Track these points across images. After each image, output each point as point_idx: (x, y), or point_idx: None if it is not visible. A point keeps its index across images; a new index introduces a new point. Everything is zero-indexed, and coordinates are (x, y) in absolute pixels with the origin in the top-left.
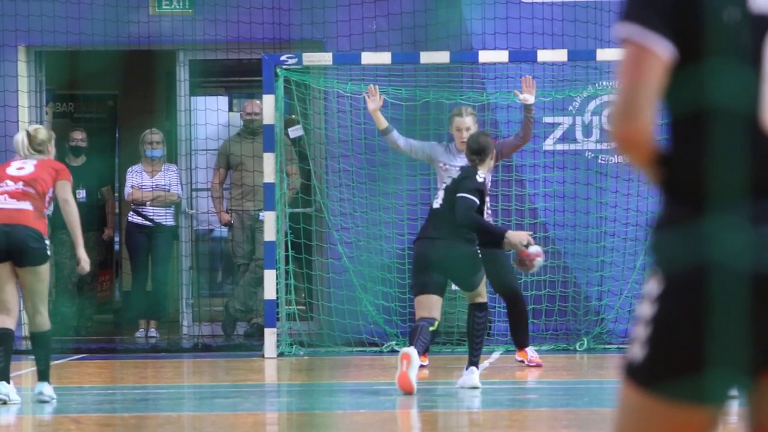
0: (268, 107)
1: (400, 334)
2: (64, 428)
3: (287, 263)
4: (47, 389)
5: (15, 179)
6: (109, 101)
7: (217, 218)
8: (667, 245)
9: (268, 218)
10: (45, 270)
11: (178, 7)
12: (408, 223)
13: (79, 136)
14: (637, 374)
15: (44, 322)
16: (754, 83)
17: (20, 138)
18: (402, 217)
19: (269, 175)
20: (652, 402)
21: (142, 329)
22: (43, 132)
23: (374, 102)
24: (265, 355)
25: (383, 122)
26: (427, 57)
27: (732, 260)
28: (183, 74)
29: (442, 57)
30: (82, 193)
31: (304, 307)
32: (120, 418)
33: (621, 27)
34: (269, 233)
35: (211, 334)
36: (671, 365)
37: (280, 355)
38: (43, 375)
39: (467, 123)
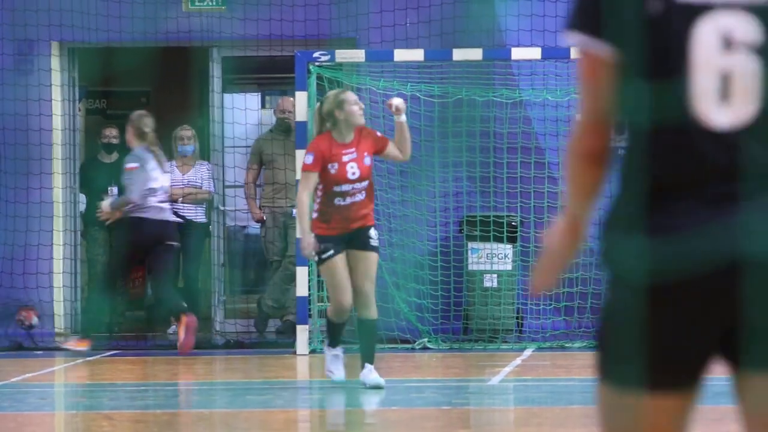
0: (300, 104)
1: (432, 331)
2: (97, 425)
3: None
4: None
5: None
6: (142, 98)
7: (250, 215)
8: (612, 245)
9: None
10: None
11: (211, 3)
12: (440, 220)
13: (111, 133)
14: (597, 370)
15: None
16: (682, 77)
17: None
18: (434, 214)
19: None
20: (609, 394)
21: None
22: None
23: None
24: (298, 352)
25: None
26: (459, 54)
27: (665, 263)
28: (216, 71)
29: (475, 54)
30: (114, 190)
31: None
32: (152, 414)
33: (567, 35)
34: None
35: (244, 331)
36: (615, 355)
37: (312, 352)
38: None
39: None
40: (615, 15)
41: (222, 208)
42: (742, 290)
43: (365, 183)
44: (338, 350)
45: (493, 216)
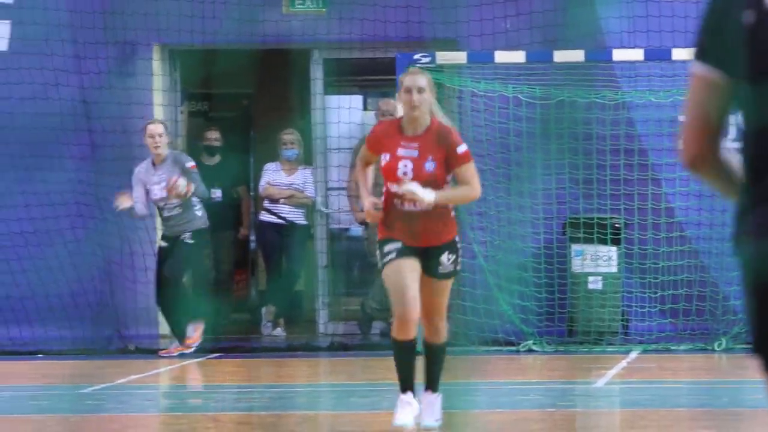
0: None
1: (536, 334)
2: (202, 426)
3: None
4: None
5: None
6: (243, 100)
7: (353, 217)
8: (736, 245)
9: None
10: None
11: (311, 6)
12: (543, 222)
13: (213, 136)
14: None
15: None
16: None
17: None
18: (537, 217)
19: None
20: None
21: (269, 322)
22: None
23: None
24: None
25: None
26: (561, 56)
27: None
28: (317, 73)
29: (577, 56)
30: (217, 193)
31: None
32: (257, 416)
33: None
34: None
35: (348, 333)
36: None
37: (417, 354)
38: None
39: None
40: (720, 33)
41: (325, 210)
42: None
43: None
44: (409, 396)
45: (597, 218)
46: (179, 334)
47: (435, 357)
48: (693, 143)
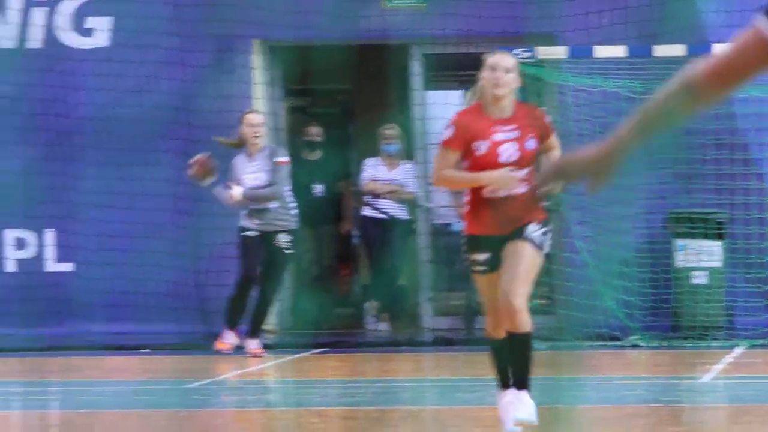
0: None
1: (641, 328)
2: (307, 421)
3: None
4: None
5: None
6: (344, 95)
7: (455, 212)
8: None
9: None
10: None
11: (410, 1)
12: (645, 217)
13: (314, 131)
14: None
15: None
16: None
17: None
18: (640, 211)
19: None
20: None
21: (372, 317)
22: None
23: None
24: None
25: None
26: (661, 50)
27: None
28: (416, 68)
29: (677, 50)
30: (319, 188)
31: (545, 302)
32: (362, 411)
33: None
34: None
35: (452, 328)
36: None
37: None
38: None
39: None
40: None
41: (427, 205)
42: None
43: (525, 171)
44: (509, 394)
45: (700, 213)
46: (257, 332)
47: (517, 349)
48: (713, 79)
